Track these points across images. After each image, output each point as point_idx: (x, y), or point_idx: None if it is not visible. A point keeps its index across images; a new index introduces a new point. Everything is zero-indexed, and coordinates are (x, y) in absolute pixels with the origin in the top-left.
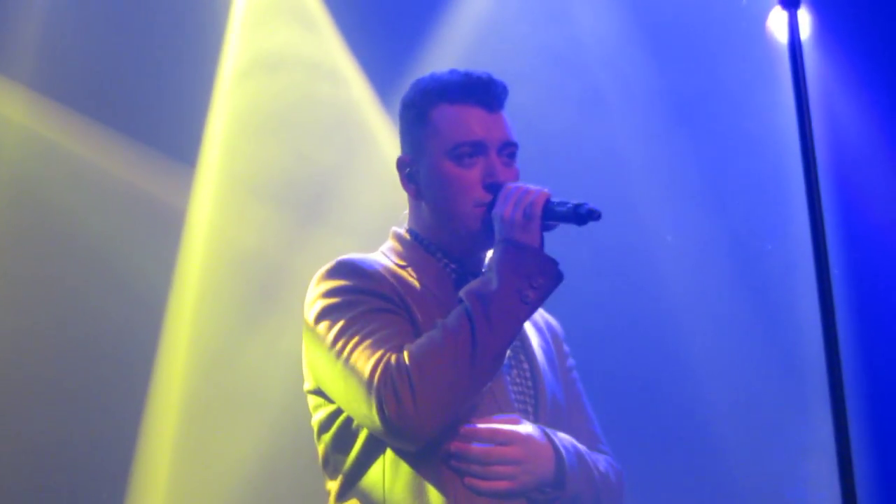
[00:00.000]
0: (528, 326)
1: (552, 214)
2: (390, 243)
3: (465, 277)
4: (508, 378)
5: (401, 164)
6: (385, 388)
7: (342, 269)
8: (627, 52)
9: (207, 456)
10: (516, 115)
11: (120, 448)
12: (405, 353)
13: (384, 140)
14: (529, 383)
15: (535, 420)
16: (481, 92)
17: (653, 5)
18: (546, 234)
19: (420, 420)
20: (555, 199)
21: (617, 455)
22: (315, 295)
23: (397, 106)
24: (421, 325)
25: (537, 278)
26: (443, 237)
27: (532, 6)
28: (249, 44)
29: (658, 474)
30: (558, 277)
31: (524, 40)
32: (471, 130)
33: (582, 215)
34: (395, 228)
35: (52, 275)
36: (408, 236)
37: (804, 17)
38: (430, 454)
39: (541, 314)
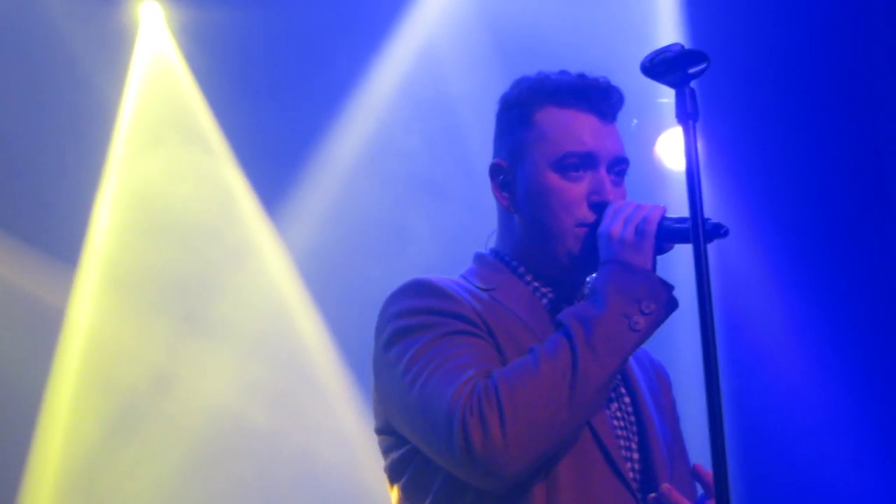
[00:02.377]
0: (630, 359)
1: (669, 233)
2: (472, 266)
3: (558, 304)
4: (608, 411)
5: (494, 170)
6: (471, 414)
7: (417, 288)
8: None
9: None
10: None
11: None
12: (495, 378)
13: (266, 250)
14: (633, 418)
15: (642, 460)
16: (597, 98)
17: None
18: None
19: (509, 454)
20: (671, 216)
21: None
22: (386, 317)
23: (281, 218)
24: (507, 354)
25: (649, 303)
26: (535, 257)
27: (425, 134)
28: (136, 148)
29: None
30: (672, 304)
31: (416, 171)
32: (582, 140)
33: (707, 231)
34: (477, 251)
35: None
36: (491, 257)
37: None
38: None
39: (643, 350)
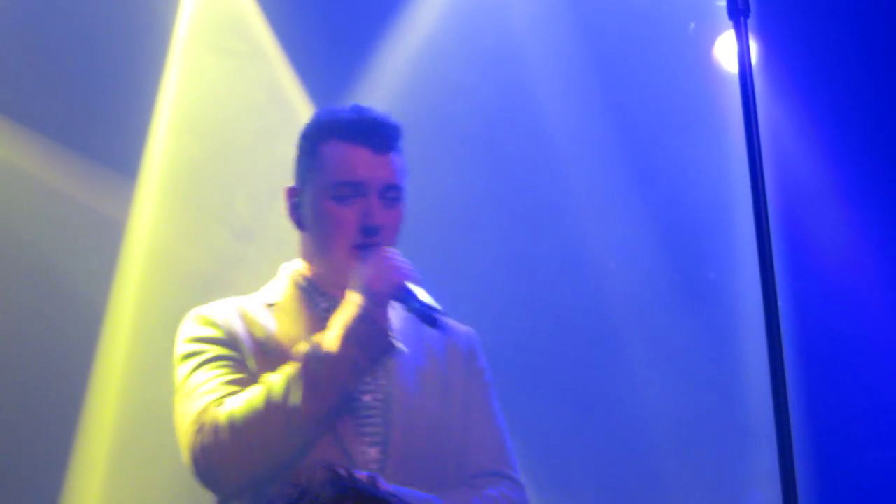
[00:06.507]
0: (411, 340)
1: (404, 301)
2: (274, 279)
3: (334, 313)
4: (358, 403)
5: (289, 194)
6: (199, 438)
7: (192, 318)
8: (572, 77)
9: (142, 469)
10: (458, 132)
11: (54, 456)
12: (225, 407)
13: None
14: (384, 405)
15: (386, 443)
16: (370, 132)
17: (598, 28)
18: (493, 248)
19: (227, 475)
20: (414, 287)
21: (556, 485)
22: (177, 342)
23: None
24: (258, 370)
25: (374, 352)
26: (320, 272)
27: (477, 34)
28: (192, 59)
29: None
30: (390, 350)
31: (467, 66)
32: (353, 170)
33: (424, 318)
34: (284, 264)
35: None
36: (289, 271)
37: (752, 44)
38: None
39: (446, 326)
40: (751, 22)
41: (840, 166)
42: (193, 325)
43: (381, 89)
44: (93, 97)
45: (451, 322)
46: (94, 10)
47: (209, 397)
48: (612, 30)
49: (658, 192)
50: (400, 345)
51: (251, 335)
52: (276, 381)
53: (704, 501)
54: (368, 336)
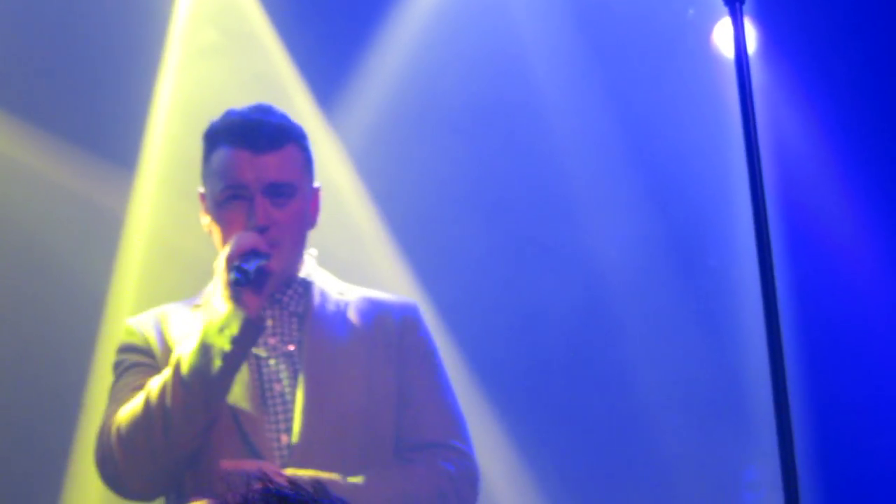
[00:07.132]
0: (331, 322)
1: (245, 276)
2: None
3: None
4: (269, 393)
5: (200, 198)
6: (100, 448)
7: (124, 329)
8: (570, 63)
9: None
10: (457, 123)
11: (55, 449)
12: (118, 416)
13: (323, 154)
14: (295, 391)
15: (294, 429)
16: (249, 135)
17: (596, 15)
18: (493, 237)
19: (124, 481)
20: (254, 256)
21: (557, 468)
22: None
23: (339, 118)
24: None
25: (234, 334)
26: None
27: (475, 20)
28: (191, 51)
29: (599, 489)
30: (257, 329)
31: (465, 53)
32: (234, 174)
33: (231, 280)
34: None
35: None
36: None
37: (750, 31)
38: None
39: (378, 303)
40: (748, 7)
41: (839, 152)
42: (124, 335)
43: (379, 80)
44: (91, 90)
45: (388, 297)
46: (92, 1)
47: (115, 405)
48: (611, 16)
49: (658, 180)
50: (268, 321)
51: (164, 339)
52: (154, 384)
53: (703, 480)
54: (227, 320)
